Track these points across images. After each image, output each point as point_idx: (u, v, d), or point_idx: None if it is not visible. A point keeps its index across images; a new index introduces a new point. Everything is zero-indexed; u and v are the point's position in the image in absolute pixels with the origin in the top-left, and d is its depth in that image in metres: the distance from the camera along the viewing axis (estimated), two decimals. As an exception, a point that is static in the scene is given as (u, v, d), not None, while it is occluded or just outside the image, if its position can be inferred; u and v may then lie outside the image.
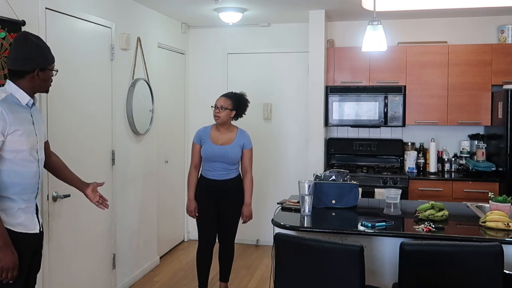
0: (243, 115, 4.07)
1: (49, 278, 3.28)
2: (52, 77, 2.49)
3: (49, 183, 3.29)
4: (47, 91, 2.54)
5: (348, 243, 2.52)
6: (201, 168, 4.04)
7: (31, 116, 2.44)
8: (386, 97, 5.06)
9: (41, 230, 2.54)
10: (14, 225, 2.36)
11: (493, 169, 4.81)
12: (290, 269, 2.56)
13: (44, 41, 2.50)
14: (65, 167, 2.86)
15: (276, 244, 2.59)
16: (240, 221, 4.05)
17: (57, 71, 2.49)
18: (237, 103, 3.97)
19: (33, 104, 2.46)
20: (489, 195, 3.28)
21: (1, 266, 2.24)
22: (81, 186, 2.89)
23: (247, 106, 4.06)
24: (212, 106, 3.97)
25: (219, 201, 3.96)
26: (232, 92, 4.07)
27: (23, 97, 2.39)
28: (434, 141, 5.15)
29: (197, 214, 3.96)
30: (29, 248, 2.43)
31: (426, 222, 2.94)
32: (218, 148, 3.90)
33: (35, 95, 2.48)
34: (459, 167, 5.15)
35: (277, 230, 3.02)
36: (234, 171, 3.99)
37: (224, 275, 4.18)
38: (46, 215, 3.26)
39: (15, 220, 2.37)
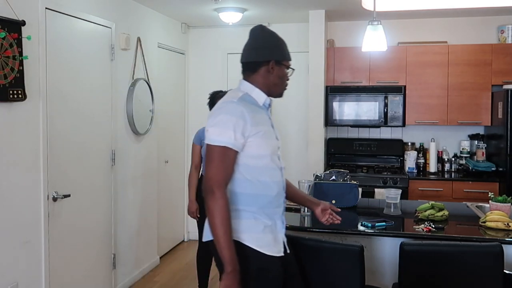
0: None
1: (49, 278, 3.28)
2: (288, 78, 2.21)
3: (49, 183, 3.29)
4: (281, 94, 2.20)
5: (348, 243, 2.52)
6: (201, 169, 4.04)
7: (269, 118, 2.16)
8: (386, 97, 5.06)
9: (287, 251, 2.15)
10: (261, 246, 2.01)
11: (493, 169, 4.81)
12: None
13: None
14: (290, 184, 2.42)
15: None
16: None
17: (293, 70, 2.22)
18: None
19: (269, 105, 2.18)
20: (489, 195, 3.28)
21: None
22: (311, 204, 2.53)
23: None
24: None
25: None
26: (227, 91, 4.04)
27: (260, 96, 2.12)
28: (434, 141, 5.15)
29: (198, 216, 3.95)
30: (278, 274, 2.05)
31: (426, 222, 2.94)
32: None
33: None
34: (459, 167, 5.15)
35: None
36: None
37: (224, 275, 4.17)
38: (46, 215, 3.25)
39: (261, 241, 2.01)
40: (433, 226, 2.88)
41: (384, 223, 2.93)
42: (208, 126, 2.01)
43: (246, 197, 2.02)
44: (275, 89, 2.16)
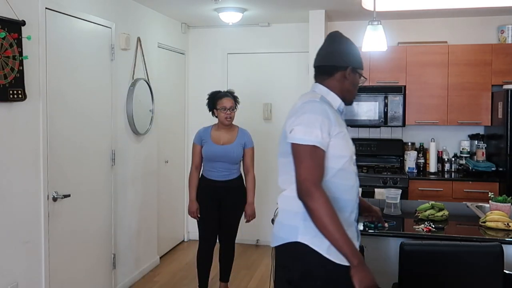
0: None
1: (49, 278, 3.28)
2: (358, 87, 2.19)
3: (49, 183, 3.29)
4: (351, 102, 2.20)
5: None
6: (202, 169, 4.04)
7: (344, 121, 2.14)
8: (386, 97, 5.06)
9: None
10: (330, 254, 1.91)
11: (493, 169, 4.81)
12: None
13: None
14: None
15: None
16: (243, 220, 4.05)
17: (365, 79, 2.21)
18: (235, 101, 3.98)
19: (343, 110, 2.17)
20: (489, 195, 3.28)
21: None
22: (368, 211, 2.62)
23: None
24: (215, 110, 3.94)
25: (220, 201, 3.96)
26: (226, 91, 4.05)
27: (335, 100, 2.11)
28: (434, 141, 5.15)
29: (199, 215, 3.95)
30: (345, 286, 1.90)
31: (426, 222, 2.94)
32: (219, 148, 3.89)
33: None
34: (459, 167, 5.15)
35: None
36: (236, 172, 3.98)
37: (224, 275, 4.17)
38: (46, 215, 3.25)
39: (332, 248, 1.89)
40: (433, 226, 2.88)
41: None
42: (292, 125, 1.98)
43: (342, 201, 1.98)
44: (348, 95, 2.16)
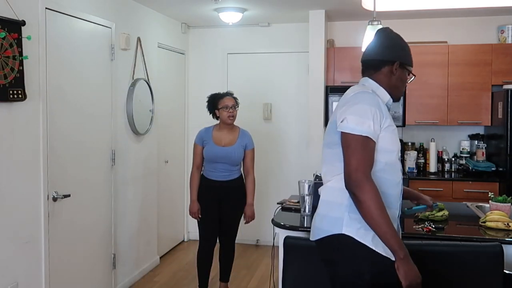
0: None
1: (49, 278, 3.28)
2: (407, 83, 2.15)
3: (49, 183, 3.29)
4: (399, 98, 2.16)
5: None
6: (202, 169, 4.04)
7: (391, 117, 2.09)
8: (386, 97, 5.06)
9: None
10: (377, 246, 1.90)
11: (493, 169, 4.81)
12: (297, 271, 2.55)
13: None
14: None
15: (285, 248, 2.57)
16: (242, 221, 4.05)
17: (414, 76, 2.16)
18: (236, 101, 3.98)
19: (390, 106, 2.13)
20: (489, 195, 3.28)
21: (408, 283, 1.82)
22: (424, 202, 2.63)
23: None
24: (217, 110, 3.94)
25: (220, 202, 3.96)
26: (226, 92, 4.05)
27: (384, 95, 2.08)
28: (434, 141, 5.15)
29: (200, 216, 3.95)
30: (394, 281, 1.87)
31: (426, 222, 2.94)
32: (221, 150, 3.89)
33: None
34: (459, 167, 5.15)
35: (277, 230, 3.03)
36: (236, 172, 3.99)
37: (224, 275, 4.17)
38: (46, 215, 3.25)
39: (378, 241, 1.88)
40: (433, 226, 2.87)
41: (421, 206, 2.72)
42: (344, 114, 1.95)
43: (391, 196, 1.96)
44: (395, 91, 2.11)
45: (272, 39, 5.70)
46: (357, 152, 1.87)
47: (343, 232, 1.93)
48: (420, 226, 2.89)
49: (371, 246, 1.89)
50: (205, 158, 3.96)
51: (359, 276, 1.91)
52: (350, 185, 1.87)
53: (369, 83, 2.10)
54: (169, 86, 5.42)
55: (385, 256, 1.89)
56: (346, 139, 1.92)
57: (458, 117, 5.01)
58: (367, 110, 1.92)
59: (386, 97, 2.09)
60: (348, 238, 1.91)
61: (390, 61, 2.08)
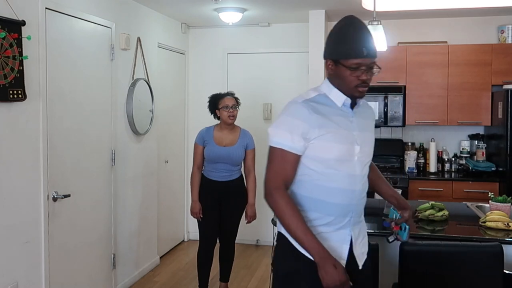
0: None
1: (49, 278, 3.28)
2: (361, 78, 1.93)
3: (49, 183, 3.29)
4: (353, 97, 1.96)
5: None
6: (203, 169, 4.03)
7: (351, 120, 1.97)
8: (386, 97, 5.06)
9: (358, 266, 2.00)
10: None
11: (493, 169, 4.81)
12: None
13: (363, 32, 1.91)
14: (379, 178, 2.33)
15: None
16: (244, 221, 4.05)
17: (363, 69, 1.91)
18: (237, 101, 3.98)
19: (356, 106, 2.00)
20: (489, 195, 3.28)
21: (326, 285, 1.81)
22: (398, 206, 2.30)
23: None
24: (218, 110, 3.94)
25: (221, 202, 3.96)
26: (227, 92, 4.05)
27: (338, 97, 1.94)
28: (434, 141, 5.15)
29: (201, 216, 3.95)
30: (310, 280, 1.91)
31: (393, 235, 2.38)
32: (222, 150, 3.89)
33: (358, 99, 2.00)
34: (459, 167, 5.15)
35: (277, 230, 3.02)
36: (237, 172, 3.99)
37: (224, 275, 4.17)
38: (46, 215, 3.25)
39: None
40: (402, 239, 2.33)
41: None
42: (270, 126, 1.98)
43: (305, 200, 1.96)
44: (345, 89, 1.94)
45: (272, 39, 5.70)
46: (271, 163, 1.92)
47: (280, 231, 2.03)
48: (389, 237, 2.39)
49: (296, 246, 1.93)
50: (206, 158, 3.95)
51: (290, 273, 1.97)
52: (264, 194, 1.95)
53: (323, 85, 2.00)
54: (169, 86, 5.42)
55: (305, 255, 1.91)
56: (269, 150, 1.97)
57: (458, 117, 5.01)
58: (287, 122, 1.90)
59: (341, 98, 1.95)
60: (283, 237, 1.99)
61: (325, 59, 1.97)
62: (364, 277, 2.04)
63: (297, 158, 1.91)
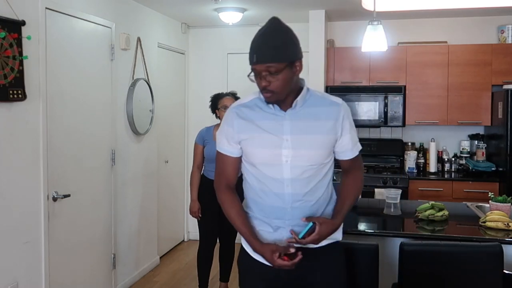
0: None
1: (49, 278, 3.28)
2: (259, 84, 1.87)
3: (49, 183, 3.29)
4: (266, 101, 1.90)
5: (365, 242, 2.49)
6: (203, 169, 4.03)
7: (281, 122, 1.91)
8: (386, 97, 5.06)
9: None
10: (247, 246, 2.06)
11: (493, 169, 4.81)
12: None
13: (286, 36, 1.84)
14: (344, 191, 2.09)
15: None
16: None
17: (252, 72, 1.88)
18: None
19: (292, 108, 1.91)
20: (489, 195, 3.28)
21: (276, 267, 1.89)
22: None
23: None
24: (217, 110, 3.93)
25: (220, 201, 3.95)
26: (228, 92, 4.06)
27: (264, 99, 1.92)
28: (434, 141, 5.15)
29: (200, 215, 3.95)
30: (254, 277, 2.05)
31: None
32: None
33: (297, 98, 1.92)
34: (459, 167, 5.15)
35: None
36: None
37: (224, 275, 4.18)
38: (46, 215, 3.25)
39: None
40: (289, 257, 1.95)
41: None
42: None
43: (247, 199, 2.10)
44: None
45: (272, 39, 5.69)
46: (216, 166, 2.11)
47: None
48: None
49: (244, 245, 2.08)
50: (205, 158, 3.95)
51: (245, 267, 2.11)
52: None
53: None
54: (169, 86, 5.42)
55: (251, 256, 2.03)
56: None
57: (458, 117, 5.01)
58: (222, 128, 2.05)
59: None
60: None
61: None
62: (310, 269, 1.97)
63: (236, 160, 2.04)
